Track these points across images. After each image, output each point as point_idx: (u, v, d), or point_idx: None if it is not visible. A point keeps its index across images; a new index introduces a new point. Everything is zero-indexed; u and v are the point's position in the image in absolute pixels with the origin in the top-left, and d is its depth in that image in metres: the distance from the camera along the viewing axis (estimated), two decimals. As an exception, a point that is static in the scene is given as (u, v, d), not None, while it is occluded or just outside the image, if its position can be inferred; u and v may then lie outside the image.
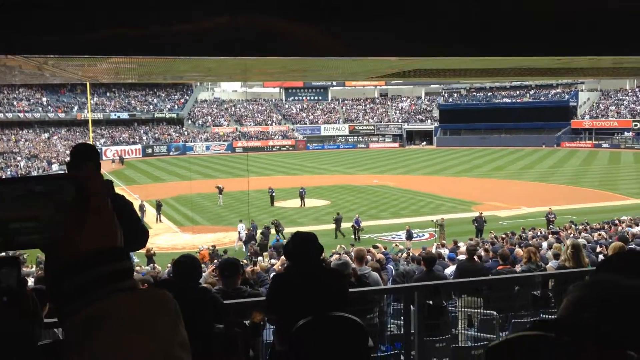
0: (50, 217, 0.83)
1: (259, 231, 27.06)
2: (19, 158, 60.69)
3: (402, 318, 6.14)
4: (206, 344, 3.38)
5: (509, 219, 31.31)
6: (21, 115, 70.76)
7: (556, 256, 10.47)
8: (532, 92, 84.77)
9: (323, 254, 4.80)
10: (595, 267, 1.91)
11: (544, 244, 16.83)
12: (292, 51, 3.90)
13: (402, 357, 5.99)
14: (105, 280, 0.82)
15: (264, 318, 4.65)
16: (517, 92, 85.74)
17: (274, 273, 10.51)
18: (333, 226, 29.28)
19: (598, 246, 14.40)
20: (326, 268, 4.87)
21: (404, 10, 3.82)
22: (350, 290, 5.03)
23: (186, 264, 4.20)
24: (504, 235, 22.42)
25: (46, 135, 70.69)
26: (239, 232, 27.33)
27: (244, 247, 25.67)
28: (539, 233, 23.12)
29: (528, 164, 57.31)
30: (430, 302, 5.43)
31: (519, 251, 13.90)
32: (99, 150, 4.24)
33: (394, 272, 11.18)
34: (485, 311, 7.96)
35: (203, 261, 21.69)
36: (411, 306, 5.83)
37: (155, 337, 0.78)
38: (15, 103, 72.57)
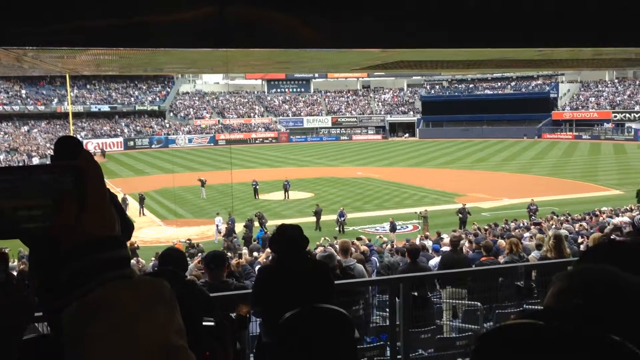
0: (52, 206, 0.83)
1: (239, 224, 26.99)
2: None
3: (387, 310, 6.19)
4: (195, 338, 3.37)
5: (492, 211, 31.58)
6: (0, 107, 69.72)
7: (538, 247, 10.60)
8: (513, 83, 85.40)
9: (308, 246, 4.80)
10: (578, 258, 1.93)
11: (526, 235, 17.01)
12: (275, 43, 3.88)
13: (388, 349, 6.03)
14: (103, 268, 0.83)
15: (250, 310, 4.64)
16: (499, 83, 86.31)
17: (259, 266, 10.50)
18: (322, 218, 29.35)
19: (580, 237, 14.58)
20: (312, 260, 4.88)
21: (386, 2, 3.82)
22: (336, 282, 5.04)
23: (172, 257, 4.18)
24: (487, 227, 22.60)
25: (26, 128, 69.77)
26: (217, 226, 27.28)
27: (223, 240, 25.63)
28: (521, 224, 23.34)
29: (510, 156, 57.77)
30: (415, 294, 5.46)
31: (501, 242, 14.03)
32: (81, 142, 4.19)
33: (378, 264, 11.24)
34: (469, 302, 8.04)
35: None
36: (396, 298, 5.86)
37: (153, 326, 0.79)
38: (-7, 96, 71.53)
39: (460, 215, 27.91)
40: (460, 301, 8.18)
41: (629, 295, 1.11)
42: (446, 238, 17.16)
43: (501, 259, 10.31)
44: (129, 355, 0.76)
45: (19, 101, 72.64)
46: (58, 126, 71.41)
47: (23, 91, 74.59)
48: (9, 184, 0.82)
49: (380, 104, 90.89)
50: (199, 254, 18.67)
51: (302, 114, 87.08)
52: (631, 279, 1.18)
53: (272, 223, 24.74)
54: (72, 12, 3.76)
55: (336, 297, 5.05)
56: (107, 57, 5.50)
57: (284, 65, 6.05)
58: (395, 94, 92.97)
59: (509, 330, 0.96)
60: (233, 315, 4.69)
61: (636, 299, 1.13)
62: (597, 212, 23.19)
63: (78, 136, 68.41)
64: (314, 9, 3.74)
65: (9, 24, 3.69)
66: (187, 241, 22.85)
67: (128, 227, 3.97)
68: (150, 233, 28.47)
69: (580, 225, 18.21)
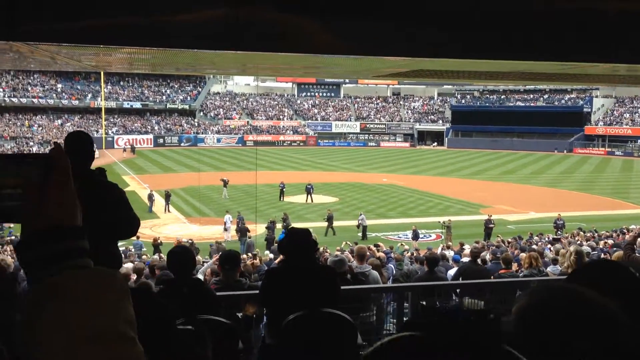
0: (18, 192, 0.87)
1: (260, 225, 27.13)
2: (31, 143, 61.20)
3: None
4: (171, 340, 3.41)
5: (517, 224, 31.17)
6: (35, 101, 71.26)
7: (554, 261, 10.46)
8: (545, 96, 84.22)
9: (317, 250, 4.82)
10: (568, 276, 1.91)
11: (548, 250, 16.76)
12: (291, 48, 3.93)
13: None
14: (60, 256, 0.86)
15: (256, 311, 4.68)
16: (531, 95, 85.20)
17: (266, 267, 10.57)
18: (342, 223, 29.33)
19: (602, 254, 14.32)
20: (319, 264, 4.89)
21: (406, 11, 3.83)
22: (345, 287, 5.05)
23: (180, 254, 4.24)
24: (510, 240, 22.34)
25: (59, 121, 71.18)
26: (225, 223, 27.53)
27: (237, 239, 25.87)
28: (545, 239, 23.01)
29: (539, 169, 56.96)
30: (423, 303, 5.44)
31: (522, 256, 13.86)
32: (91, 137, 4.31)
33: (395, 271, 11.19)
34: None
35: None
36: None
37: (102, 314, 0.82)
38: (29, 88, 73.10)
39: (491, 225, 27.67)
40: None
41: (583, 319, 1.10)
42: (467, 249, 17.00)
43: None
44: (77, 339, 0.79)
45: (54, 95, 74.14)
46: (91, 121, 72.69)
47: (59, 85, 76.14)
48: None
49: (409, 111, 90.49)
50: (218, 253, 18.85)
51: (331, 118, 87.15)
52: (599, 305, 1.17)
53: (295, 226, 24.79)
54: (97, 11, 3.86)
55: (346, 303, 5.06)
56: (141, 55, 5.61)
57: (303, 70, 6.11)
58: (425, 102, 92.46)
59: (389, 348, 0.98)
60: (240, 315, 4.74)
61: (595, 323, 1.12)
62: (625, 230, 22.73)
63: (109, 132, 69.60)
64: (331, 16, 3.78)
65: (44, 22, 3.80)
66: (189, 241, 23.06)
67: (134, 222, 4.06)
68: (175, 230, 28.77)
69: (605, 242, 17.87)
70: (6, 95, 69.60)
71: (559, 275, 9.40)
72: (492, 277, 9.62)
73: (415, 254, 17.90)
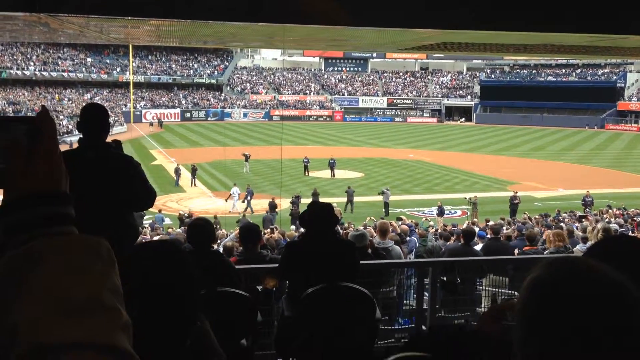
0: (3, 154, 0.86)
1: (285, 200, 27.31)
2: (61, 117, 62.11)
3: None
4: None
5: (545, 201, 30.77)
6: (65, 74, 72.10)
7: (584, 240, 10.30)
8: (578, 71, 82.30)
9: (340, 225, 4.82)
10: (586, 250, 1.86)
11: (578, 227, 16.53)
12: (310, 20, 3.88)
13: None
14: (42, 222, 0.84)
15: (276, 284, 4.71)
16: (563, 70, 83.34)
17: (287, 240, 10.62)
18: (367, 198, 29.30)
19: (630, 232, 14.08)
20: (339, 239, 4.90)
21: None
22: (365, 262, 5.06)
23: (199, 227, 4.28)
24: (537, 217, 22.08)
25: (88, 95, 71.99)
26: (230, 194, 28.21)
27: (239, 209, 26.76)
28: (574, 216, 22.69)
29: (569, 145, 55.97)
30: (444, 278, 5.41)
31: (548, 233, 13.69)
32: (109, 111, 4.34)
33: (417, 245, 11.17)
34: (509, 291, 7.93)
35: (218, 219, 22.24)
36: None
37: (85, 281, 0.80)
38: (59, 62, 73.96)
39: (516, 201, 27.36)
40: (500, 290, 8.08)
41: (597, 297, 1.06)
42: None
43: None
44: (58, 310, 0.77)
45: (84, 69, 74.92)
46: (119, 95, 73.38)
47: (88, 59, 76.87)
48: None
49: (437, 86, 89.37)
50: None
51: (357, 93, 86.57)
52: (612, 281, 1.13)
53: (321, 201, 24.83)
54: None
55: (366, 277, 5.07)
56: (168, 27, 5.60)
57: (327, 43, 6.04)
58: (453, 77, 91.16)
59: None
60: (259, 287, 4.78)
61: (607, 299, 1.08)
62: (656, 208, 22.28)
63: (137, 106, 70.24)
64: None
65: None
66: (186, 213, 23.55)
67: (150, 194, 4.10)
68: (200, 204, 29.07)
69: (633, 220, 17.55)
70: (37, 69, 70.56)
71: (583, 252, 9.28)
72: (515, 253, 9.54)
73: (439, 230, 17.81)
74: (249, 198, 28.28)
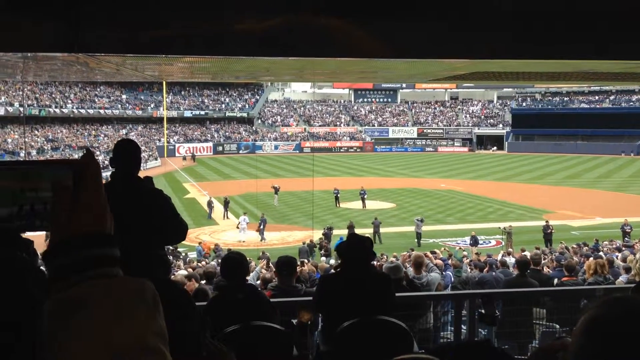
0: (49, 197, 0.86)
1: (317, 232, 27.22)
2: (97, 152, 63.55)
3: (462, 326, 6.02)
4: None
5: (582, 229, 30.08)
6: (102, 111, 74.00)
7: (627, 270, 10.00)
8: (612, 97, 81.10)
9: (375, 259, 4.77)
10: (635, 285, 1.79)
11: (618, 257, 16.07)
12: (341, 52, 3.91)
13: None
14: (88, 264, 0.83)
15: (311, 318, 4.67)
16: (596, 97, 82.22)
17: (322, 274, 10.54)
18: (397, 229, 29.09)
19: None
20: (375, 271, 4.84)
21: (455, 11, 3.75)
22: (400, 294, 4.98)
23: (232, 260, 4.28)
24: (574, 246, 21.57)
25: (124, 131, 73.63)
26: (239, 224, 28.54)
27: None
28: (614, 246, 22.08)
29: (605, 173, 54.86)
30: (482, 311, 5.29)
31: (589, 263, 13.33)
32: (140, 146, 4.42)
33: (452, 279, 10.98)
34: (548, 323, 7.70)
35: (207, 253, 22.40)
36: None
37: (130, 325, 0.79)
38: (96, 100, 76.00)
39: (545, 232, 26.81)
40: (538, 322, 7.86)
41: None
42: (529, 255, 16.49)
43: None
44: (102, 353, 0.76)
45: (119, 105, 76.81)
46: (153, 130, 74.88)
47: (123, 96, 78.87)
48: (12, 172, 0.86)
49: (468, 115, 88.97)
50: (264, 259, 19.10)
51: (388, 124, 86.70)
52: None
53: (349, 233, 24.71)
54: (158, 22, 3.96)
55: (401, 310, 4.99)
56: (201, 64, 5.71)
57: (358, 75, 6.08)
58: (484, 106, 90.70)
59: None
60: (294, 321, 4.74)
61: None
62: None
63: (171, 140, 71.50)
64: (381, 20, 3.74)
65: (109, 34, 3.94)
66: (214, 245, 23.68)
67: (181, 228, 4.13)
68: (233, 236, 29.21)
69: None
70: (74, 107, 72.60)
71: (626, 284, 8.99)
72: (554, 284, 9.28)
73: (473, 260, 17.51)
74: (261, 227, 28.33)
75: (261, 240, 28.06)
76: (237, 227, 28.78)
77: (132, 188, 3.85)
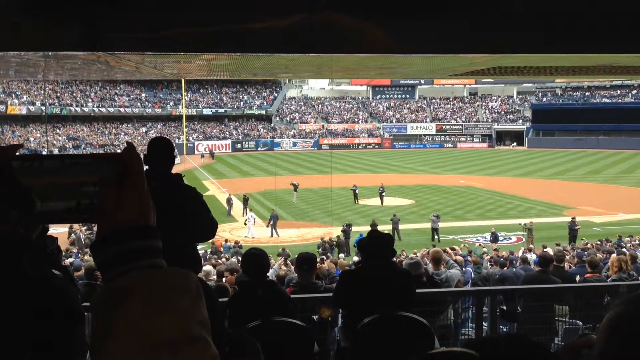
0: (95, 191, 0.88)
1: (336, 228, 27.19)
2: (118, 150, 64.14)
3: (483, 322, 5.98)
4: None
5: (605, 226, 29.71)
6: (122, 110, 74.72)
7: (650, 266, 9.85)
8: (634, 92, 79.85)
9: (395, 256, 4.76)
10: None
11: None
12: (360, 49, 3.90)
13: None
14: (134, 256, 0.86)
15: (332, 314, 4.67)
16: (618, 91, 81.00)
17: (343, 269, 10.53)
18: (416, 225, 29.00)
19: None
20: (395, 267, 4.83)
21: (475, 6, 3.72)
22: (420, 290, 4.97)
23: (254, 256, 4.30)
24: (597, 242, 21.32)
25: (144, 129, 74.28)
26: (247, 221, 28.84)
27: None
28: (636, 241, 21.78)
29: (628, 168, 54.08)
30: (504, 307, 5.25)
31: (612, 258, 13.15)
32: (172, 142, 4.47)
33: (472, 275, 10.91)
34: (570, 320, 7.62)
35: (218, 250, 22.56)
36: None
37: (176, 315, 0.81)
38: (116, 98, 76.75)
39: (571, 228, 26.49)
40: (560, 319, 7.78)
41: None
42: (550, 252, 16.32)
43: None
44: (150, 341, 0.78)
45: (139, 104, 77.48)
46: (172, 128, 75.40)
47: (143, 95, 79.51)
48: (67, 167, 0.89)
49: (487, 111, 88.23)
50: (284, 255, 19.17)
51: (406, 120, 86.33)
52: None
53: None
54: (178, 20, 3.99)
55: (421, 306, 4.97)
56: (219, 62, 5.74)
57: (377, 72, 6.06)
58: (503, 102, 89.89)
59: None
60: (315, 317, 4.75)
61: None
62: None
63: (190, 138, 71.95)
64: (403, 16, 3.73)
65: (128, 33, 3.98)
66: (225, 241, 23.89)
67: (212, 225, 4.16)
68: (252, 233, 29.31)
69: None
70: (95, 106, 73.40)
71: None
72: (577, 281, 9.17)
73: (493, 256, 17.39)
74: (271, 223, 28.52)
75: (271, 236, 28.22)
76: (245, 224, 28.96)
77: (166, 185, 3.88)
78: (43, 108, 66.66)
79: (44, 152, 53.82)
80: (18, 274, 1.12)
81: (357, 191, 36.56)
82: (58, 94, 72.02)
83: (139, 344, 0.78)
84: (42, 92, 68.93)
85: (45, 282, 1.20)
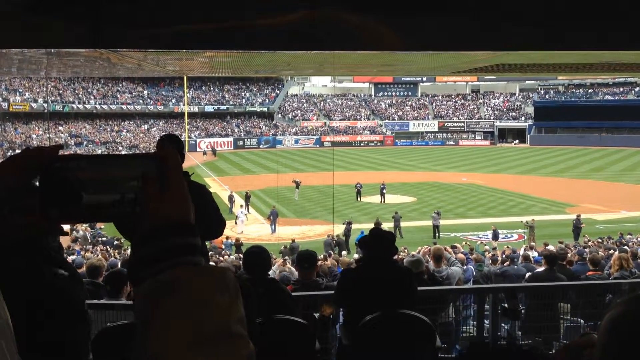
0: (138, 190, 0.90)
1: (338, 226, 27.16)
2: (120, 148, 64.24)
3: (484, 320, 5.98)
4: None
5: (607, 223, 29.67)
6: (124, 107, 74.75)
7: (653, 264, 9.84)
8: (637, 89, 79.67)
9: (396, 254, 4.76)
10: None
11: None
12: (363, 46, 3.90)
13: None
14: (176, 252, 0.86)
15: (333, 312, 4.67)
16: (621, 89, 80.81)
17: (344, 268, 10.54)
18: (417, 223, 28.99)
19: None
20: (396, 265, 4.83)
21: (480, 3, 3.71)
22: (421, 288, 4.96)
23: (255, 254, 4.30)
24: (599, 240, 21.29)
25: (146, 126, 74.33)
26: (237, 217, 28.73)
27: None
28: (638, 239, 21.75)
29: (630, 166, 53.99)
30: (505, 305, 5.25)
31: (615, 257, 13.13)
32: (182, 140, 4.47)
33: (474, 273, 10.91)
34: (572, 318, 7.61)
35: (219, 248, 22.59)
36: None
37: (217, 312, 0.82)
38: (118, 95, 76.77)
39: (576, 226, 26.44)
40: (563, 317, 7.78)
41: None
42: (552, 250, 16.31)
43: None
44: (191, 337, 0.79)
45: (141, 101, 77.50)
46: (175, 125, 75.41)
47: (145, 92, 79.53)
48: (102, 168, 0.90)
49: (489, 108, 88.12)
50: (286, 254, 19.18)
51: (408, 117, 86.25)
52: None
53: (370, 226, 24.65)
54: (179, 18, 3.99)
55: (422, 304, 4.97)
56: (221, 59, 5.73)
57: (379, 69, 6.06)
58: (506, 99, 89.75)
59: None
60: (316, 315, 4.75)
61: None
62: None
63: (192, 135, 71.96)
64: (402, 13, 3.72)
65: (130, 30, 3.98)
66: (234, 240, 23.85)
67: (220, 223, 4.15)
68: (254, 230, 29.35)
69: None
70: (97, 103, 73.45)
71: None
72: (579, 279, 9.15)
73: (493, 254, 17.37)
74: (271, 218, 28.66)
75: (272, 232, 28.28)
76: (235, 223, 28.95)
77: None
78: (45, 105, 66.72)
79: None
80: (34, 275, 1.13)
81: (361, 189, 36.49)
82: (60, 91, 72.06)
83: (180, 338, 0.79)
84: (44, 89, 68.99)
85: (52, 283, 1.21)
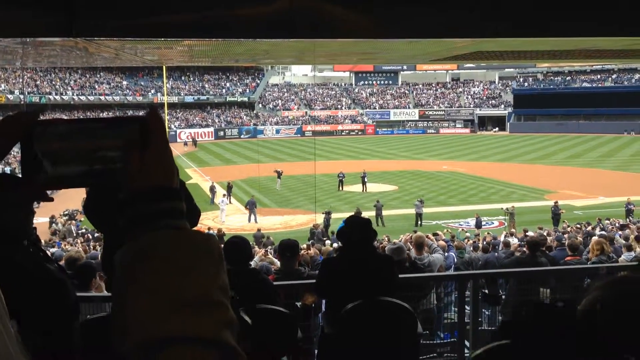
0: (120, 152, 0.88)
1: (319, 215, 27.19)
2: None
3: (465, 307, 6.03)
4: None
5: (585, 209, 30.10)
6: (102, 98, 73.86)
7: (629, 248, 10.02)
8: (614, 76, 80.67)
9: (376, 239, 4.78)
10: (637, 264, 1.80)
11: (619, 235, 16.10)
12: (342, 34, 3.88)
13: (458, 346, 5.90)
14: (158, 216, 0.84)
15: (315, 300, 4.68)
16: (598, 76, 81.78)
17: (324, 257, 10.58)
18: (399, 211, 29.14)
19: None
20: (377, 253, 4.85)
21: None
22: (403, 275, 5.00)
23: (235, 244, 4.28)
24: (578, 226, 21.61)
25: (125, 117, 73.51)
26: (220, 205, 28.99)
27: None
28: (616, 224, 22.12)
29: (608, 152, 54.75)
30: (486, 291, 5.30)
31: (593, 242, 13.33)
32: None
33: (455, 260, 11.01)
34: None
35: None
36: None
37: (198, 278, 0.79)
38: (96, 86, 75.82)
39: (554, 213, 26.74)
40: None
41: None
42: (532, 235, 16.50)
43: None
44: (169, 302, 0.77)
45: (120, 92, 76.64)
46: (154, 116, 74.71)
47: (124, 82, 78.64)
48: (83, 131, 0.88)
49: (469, 97, 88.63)
50: (269, 244, 19.14)
51: (389, 106, 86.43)
52: None
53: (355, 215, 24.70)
54: (156, 5, 3.93)
55: (404, 291, 5.01)
56: (200, 47, 5.66)
57: (359, 57, 6.05)
58: (485, 87, 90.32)
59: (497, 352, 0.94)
60: (298, 304, 4.76)
61: None
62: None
63: (172, 126, 71.39)
64: (381, 1, 3.71)
65: (106, 18, 3.91)
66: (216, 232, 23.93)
67: (195, 213, 4.12)
68: (236, 221, 29.28)
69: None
70: (74, 94, 72.46)
71: (630, 262, 9.01)
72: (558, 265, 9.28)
73: (475, 241, 17.55)
74: (249, 208, 28.78)
75: (249, 222, 28.30)
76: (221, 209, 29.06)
77: None
78: (22, 97, 65.64)
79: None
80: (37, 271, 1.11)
81: (344, 178, 36.49)
82: (37, 82, 70.96)
83: (159, 303, 0.77)
84: (21, 80, 67.85)
85: (47, 277, 1.19)
